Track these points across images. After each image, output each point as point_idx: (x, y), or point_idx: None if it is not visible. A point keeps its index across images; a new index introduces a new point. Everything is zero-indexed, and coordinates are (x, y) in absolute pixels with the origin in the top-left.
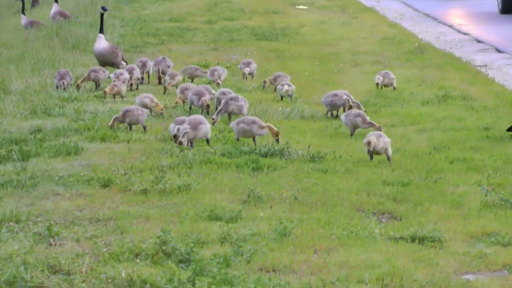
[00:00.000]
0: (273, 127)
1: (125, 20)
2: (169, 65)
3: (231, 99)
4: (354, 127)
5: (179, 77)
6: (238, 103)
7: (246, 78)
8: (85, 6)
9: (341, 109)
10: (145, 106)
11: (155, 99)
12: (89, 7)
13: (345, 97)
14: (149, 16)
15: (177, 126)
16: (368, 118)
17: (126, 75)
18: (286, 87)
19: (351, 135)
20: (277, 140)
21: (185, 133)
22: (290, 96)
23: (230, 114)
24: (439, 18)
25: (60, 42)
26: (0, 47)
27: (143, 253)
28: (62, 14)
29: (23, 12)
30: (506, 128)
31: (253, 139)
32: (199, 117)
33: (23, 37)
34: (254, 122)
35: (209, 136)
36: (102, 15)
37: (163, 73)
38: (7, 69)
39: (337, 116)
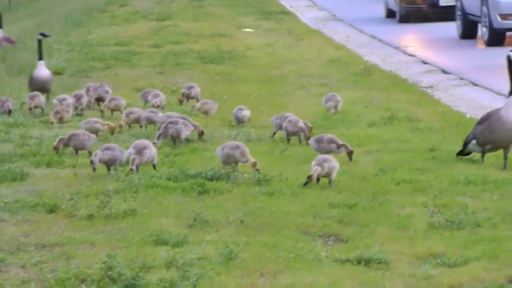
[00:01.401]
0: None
1: (72, 45)
2: (107, 90)
3: (170, 122)
4: (328, 153)
5: (119, 102)
6: (177, 126)
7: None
8: (31, 31)
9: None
10: (95, 129)
11: (104, 122)
12: (34, 32)
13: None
14: (96, 41)
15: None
16: (339, 141)
17: (70, 101)
18: (245, 111)
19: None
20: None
21: (132, 159)
22: (244, 121)
23: (173, 138)
24: (385, 40)
25: (6, 67)
26: None
27: (89, 278)
28: (8, 40)
29: None
30: (455, 152)
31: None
32: (145, 141)
33: None
34: (237, 147)
35: (155, 161)
36: (40, 41)
37: (101, 99)
38: None
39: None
